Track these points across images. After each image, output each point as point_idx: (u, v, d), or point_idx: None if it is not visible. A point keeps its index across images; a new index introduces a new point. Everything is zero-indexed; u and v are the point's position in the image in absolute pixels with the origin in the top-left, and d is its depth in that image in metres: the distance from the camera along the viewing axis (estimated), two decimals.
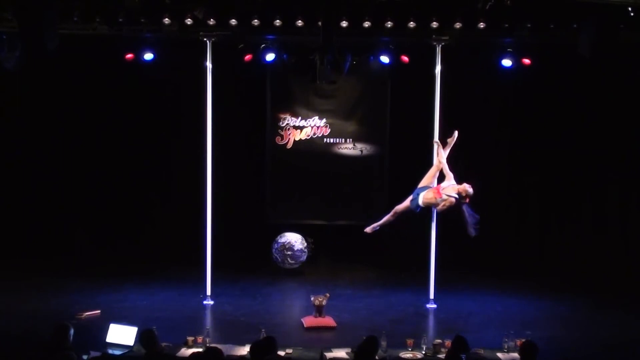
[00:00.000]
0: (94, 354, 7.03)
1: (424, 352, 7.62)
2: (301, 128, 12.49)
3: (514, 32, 10.11)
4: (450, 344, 7.17)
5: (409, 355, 7.57)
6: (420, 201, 9.38)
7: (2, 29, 9.89)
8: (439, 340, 7.68)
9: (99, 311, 9.39)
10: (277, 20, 9.97)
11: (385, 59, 10.95)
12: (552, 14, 9.91)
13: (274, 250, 11.90)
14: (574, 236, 12.24)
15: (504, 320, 9.22)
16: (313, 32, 9.91)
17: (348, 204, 12.49)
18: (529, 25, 9.99)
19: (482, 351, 7.60)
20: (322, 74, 10.65)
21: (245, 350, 7.24)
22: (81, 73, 12.02)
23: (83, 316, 9.16)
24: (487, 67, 11.17)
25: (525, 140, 12.47)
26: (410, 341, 7.76)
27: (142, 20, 10.11)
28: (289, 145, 12.48)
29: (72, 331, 6.66)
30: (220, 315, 9.69)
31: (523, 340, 7.17)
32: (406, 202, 9.58)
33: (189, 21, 9.93)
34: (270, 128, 12.52)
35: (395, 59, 10.91)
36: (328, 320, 9.12)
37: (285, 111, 12.49)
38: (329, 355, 7.51)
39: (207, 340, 7.71)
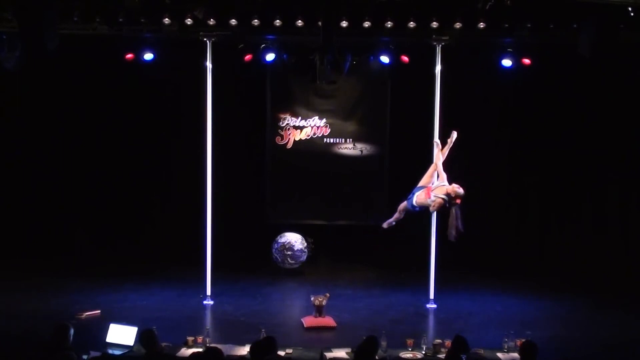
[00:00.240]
0: (94, 354, 7.03)
1: (424, 352, 7.62)
2: (301, 128, 12.49)
3: (514, 32, 10.11)
4: (450, 344, 7.16)
5: (409, 355, 7.57)
6: (414, 201, 9.37)
7: (2, 29, 9.90)
8: (439, 340, 7.68)
9: (99, 311, 9.39)
10: (277, 20, 9.97)
11: (385, 59, 10.96)
12: (552, 14, 9.91)
13: (274, 250, 11.90)
14: (574, 236, 12.24)
15: (504, 320, 9.22)
16: (313, 32, 9.91)
17: (348, 204, 12.50)
18: (529, 25, 10.00)
19: (482, 351, 7.61)
20: (322, 74, 10.65)
21: (245, 350, 7.24)
22: (81, 73, 12.02)
23: (83, 316, 9.16)
24: (487, 67, 11.19)
25: (525, 140, 12.47)
26: (410, 341, 7.76)
27: (142, 20, 10.11)
28: (289, 145, 12.48)
29: (72, 331, 6.66)
30: (220, 315, 9.69)
31: (523, 340, 7.16)
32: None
33: (189, 21, 9.94)
34: (270, 128, 12.52)
35: (395, 59, 10.92)
36: (328, 320, 9.12)
37: (285, 111, 12.50)
38: (329, 355, 7.51)
39: (207, 340, 7.71)
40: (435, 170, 9.54)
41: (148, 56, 10.70)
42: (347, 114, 12.51)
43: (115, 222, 12.52)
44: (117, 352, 7.39)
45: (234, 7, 9.92)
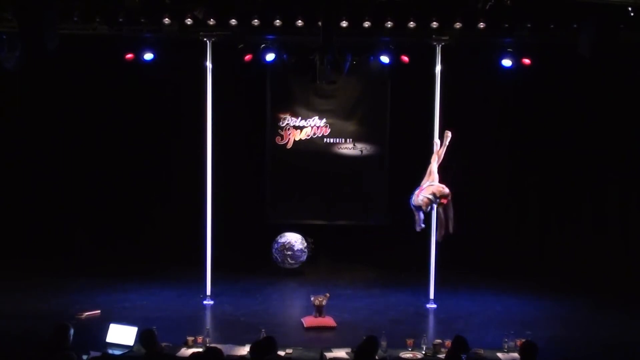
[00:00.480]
0: (94, 354, 7.03)
1: (424, 352, 7.62)
2: (301, 128, 12.49)
3: (514, 32, 10.11)
4: (450, 344, 7.16)
5: (409, 355, 7.57)
6: (412, 200, 9.41)
7: (2, 29, 9.90)
8: (439, 340, 7.68)
9: (99, 311, 9.39)
10: (277, 20, 9.98)
11: (385, 59, 10.96)
12: (552, 14, 9.91)
13: (274, 250, 11.90)
14: (574, 236, 12.24)
15: (504, 320, 9.22)
16: (313, 32, 9.91)
17: (348, 204, 12.50)
18: (529, 25, 10.00)
19: (482, 351, 7.60)
20: (322, 74, 10.65)
21: (245, 350, 7.24)
22: (81, 73, 12.02)
23: (83, 316, 9.16)
24: (487, 67, 11.19)
25: (525, 140, 12.47)
26: (410, 341, 7.76)
27: (142, 20, 10.12)
28: (289, 145, 12.48)
29: (72, 331, 6.67)
30: (220, 315, 9.69)
31: (523, 340, 7.16)
32: None
33: (189, 21, 9.94)
34: (270, 128, 12.53)
35: (395, 59, 10.92)
36: (328, 320, 9.12)
37: (285, 111, 12.50)
38: (329, 355, 7.51)
39: (207, 340, 7.71)
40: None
41: (148, 56, 10.70)
42: (347, 114, 12.51)
43: (115, 222, 12.51)
44: (117, 352, 7.39)
45: (234, 7, 9.92)
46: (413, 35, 10.15)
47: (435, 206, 8.79)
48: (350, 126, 12.54)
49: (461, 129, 11.66)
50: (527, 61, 10.78)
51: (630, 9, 9.05)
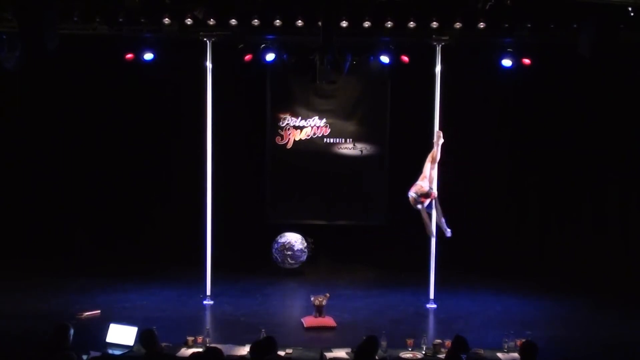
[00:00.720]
0: (94, 354, 7.03)
1: (424, 352, 7.62)
2: (301, 128, 12.49)
3: (514, 32, 10.11)
4: (450, 344, 7.16)
5: (409, 355, 7.57)
6: None
7: (2, 29, 9.90)
8: (439, 340, 7.67)
9: (99, 311, 9.39)
10: (277, 20, 9.98)
11: (385, 59, 10.96)
12: (552, 14, 9.91)
13: (274, 250, 11.90)
14: (574, 236, 12.24)
15: (504, 320, 9.22)
16: (313, 32, 9.91)
17: (348, 204, 12.50)
18: (529, 25, 10.00)
19: (482, 351, 7.60)
20: (322, 74, 10.65)
21: (245, 350, 7.24)
22: (81, 73, 12.02)
23: (83, 316, 9.16)
24: (487, 67, 11.19)
25: (525, 140, 12.46)
26: (410, 341, 7.76)
27: (142, 20, 10.12)
28: (289, 145, 12.48)
29: (72, 331, 6.66)
30: (220, 315, 9.69)
31: (523, 340, 7.16)
32: None
33: (189, 21, 9.94)
34: (270, 128, 12.53)
35: (395, 59, 10.92)
36: (328, 320, 9.12)
37: (285, 111, 12.50)
38: (329, 355, 7.51)
39: (207, 340, 7.71)
40: (430, 166, 9.61)
41: (148, 56, 10.70)
42: (347, 114, 12.51)
43: (115, 222, 12.51)
44: (117, 352, 7.39)
45: (234, 7, 9.92)
46: (413, 35, 10.15)
47: (420, 206, 8.99)
48: (350, 126, 12.54)
49: (461, 129, 11.73)
50: (527, 61, 10.78)
51: (630, 9, 9.05)
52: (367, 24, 9.97)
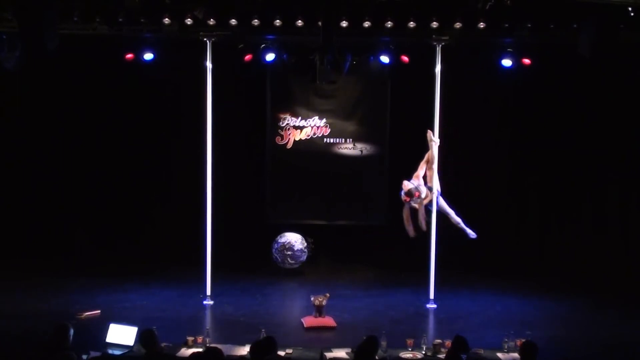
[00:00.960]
0: (94, 354, 7.03)
1: (424, 352, 7.62)
2: (301, 128, 12.49)
3: (514, 32, 10.11)
4: (450, 344, 7.16)
5: (409, 355, 7.57)
6: None
7: (2, 29, 9.90)
8: (439, 340, 7.68)
9: (99, 311, 9.39)
10: (277, 20, 9.97)
11: (385, 59, 10.96)
12: (552, 14, 9.91)
13: (274, 250, 11.90)
14: (574, 236, 12.24)
15: (504, 320, 9.21)
16: (313, 32, 9.91)
17: (348, 204, 12.50)
18: (529, 25, 10.00)
19: (482, 351, 7.61)
20: (322, 74, 10.65)
21: (245, 350, 7.24)
22: (81, 73, 12.02)
23: (83, 316, 9.16)
24: (487, 67, 11.19)
25: (525, 140, 12.46)
26: (410, 341, 7.77)
27: (142, 20, 10.11)
28: (289, 145, 12.48)
29: (72, 331, 6.66)
30: (220, 315, 9.69)
31: (523, 340, 7.16)
32: None
33: (189, 21, 9.94)
34: (270, 128, 12.53)
35: (395, 59, 10.92)
36: (328, 320, 9.12)
37: (285, 111, 12.50)
38: (329, 355, 7.52)
39: (207, 340, 7.71)
40: (430, 165, 9.65)
41: (148, 56, 10.70)
42: (347, 114, 12.51)
43: (115, 222, 12.51)
44: (117, 352, 7.39)
45: (234, 7, 9.92)
46: (413, 35, 10.14)
47: (407, 205, 9.29)
48: (350, 126, 12.54)
49: (461, 129, 11.73)
50: (527, 61, 10.78)
51: (630, 9, 9.05)
52: (367, 24, 9.97)
